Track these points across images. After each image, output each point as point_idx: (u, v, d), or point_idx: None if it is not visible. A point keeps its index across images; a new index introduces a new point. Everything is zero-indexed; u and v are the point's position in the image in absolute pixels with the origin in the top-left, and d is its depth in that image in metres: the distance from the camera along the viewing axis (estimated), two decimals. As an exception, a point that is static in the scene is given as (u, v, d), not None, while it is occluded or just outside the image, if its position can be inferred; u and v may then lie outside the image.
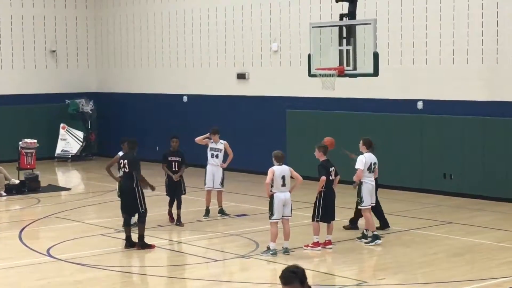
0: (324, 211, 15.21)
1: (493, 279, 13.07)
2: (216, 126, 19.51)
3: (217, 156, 18.80)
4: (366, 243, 15.72)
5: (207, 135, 18.82)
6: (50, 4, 30.74)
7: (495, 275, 13.35)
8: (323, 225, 15.30)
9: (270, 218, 14.88)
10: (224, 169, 18.89)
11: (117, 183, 16.97)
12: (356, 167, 15.77)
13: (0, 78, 29.61)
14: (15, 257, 15.15)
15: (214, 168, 18.78)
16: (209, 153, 18.86)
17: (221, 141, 18.90)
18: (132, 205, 15.55)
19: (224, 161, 18.82)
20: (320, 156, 15.45)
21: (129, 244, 15.54)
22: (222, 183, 18.84)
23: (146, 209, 15.69)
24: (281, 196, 14.69)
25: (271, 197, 14.73)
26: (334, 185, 15.44)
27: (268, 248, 14.91)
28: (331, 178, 15.27)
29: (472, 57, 20.98)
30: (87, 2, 31.70)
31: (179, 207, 17.66)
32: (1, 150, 24.82)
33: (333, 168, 15.37)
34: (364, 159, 15.83)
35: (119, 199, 16.34)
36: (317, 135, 23.51)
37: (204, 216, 18.62)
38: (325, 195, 15.26)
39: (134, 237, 15.60)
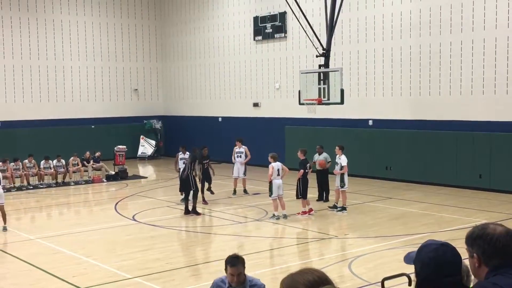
0: (303, 191, 15.25)
1: (418, 234, 13.04)
2: (240, 137, 19.44)
3: (240, 156, 18.81)
4: (337, 211, 15.68)
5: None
6: (133, 59, 30.80)
7: (419, 231, 13.31)
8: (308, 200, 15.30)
9: (270, 196, 14.99)
10: (245, 164, 18.86)
11: (177, 172, 17.05)
12: (344, 164, 15.78)
13: (102, 107, 29.71)
14: (112, 221, 15.23)
15: (238, 164, 18.77)
16: (235, 154, 18.90)
17: (243, 146, 18.91)
18: (188, 185, 15.58)
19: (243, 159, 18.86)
20: (300, 156, 15.57)
21: (187, 211, 15.56)
22: (244, 173, 18.78)
23: (197, 189, 15.72)
24: (277, 181, 14.88)
25: (270, 183, 14.88)
26: (308, 175, 15.45)
27: (273, 215, 14.94)
28: (306, 170, 15.33)
29: (403, 91, 20.88)
30: (157, 58, 31.73)
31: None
32: (104, 152, 24.89)
33: (308, 164, 15.48)
34: (346, 159, 15.80)
35: (179, 182, 16.41)
36: (306, 143, 23.51)
37: (232, 194, 18.62)
38: (303, 181, 15.30)
39: (189, 207, 15.61)
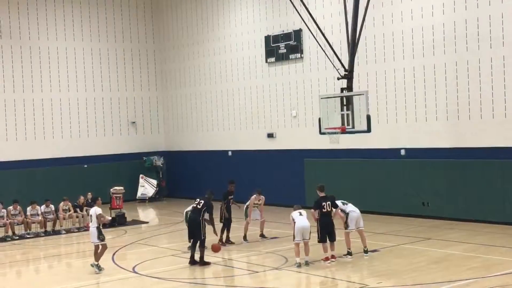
0: (320, 234, 15.11)
1: (463, 280, 12.89)
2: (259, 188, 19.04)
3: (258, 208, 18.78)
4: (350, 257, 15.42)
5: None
6: (130, 88, 31.15)
7: (464, 277, 13.15)
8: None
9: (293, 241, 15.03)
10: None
11: (184, 216, 17.09)
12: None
13: (96, 143, 29.96)
14: (110, 274, 15.19)
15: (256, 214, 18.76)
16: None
17: (262, 196, 18.74)
18: (197, 233, 15.59)
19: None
20: (319, 193, 15.45)
21: (192, 261, 15.53)
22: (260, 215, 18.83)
23: (205, 237, 15.70)
24: (301, 223, 14.92)
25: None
26: (333, 216, 15.27)
27: (296, 262, 14.86)
28: (323, 210, 15.09)
29: (439, 115, 20.89)
30: (156, 86, 32.08)
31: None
32: (98, 194, 24.91)
33: (327, 202, 15.19)
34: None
35: (186, 227, 16.42)
36: (328, 177, 23.52)
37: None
38: (320, 223, 15.13)
39: (196, 257, 15.57)
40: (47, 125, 28.80)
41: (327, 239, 15.14)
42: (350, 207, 15.71)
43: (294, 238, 14.97)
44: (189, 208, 16.75)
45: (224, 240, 17.97)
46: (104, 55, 30.36)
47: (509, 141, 19.14)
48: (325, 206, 15.15)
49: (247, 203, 18.68)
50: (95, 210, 15.58)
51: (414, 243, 17.10)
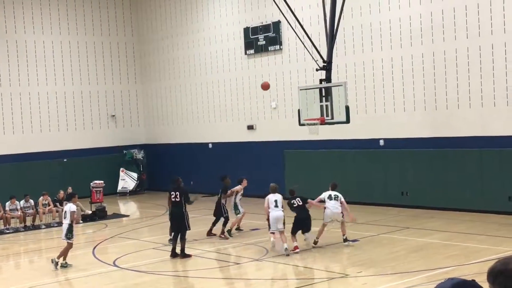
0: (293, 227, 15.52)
1: (442, 268, 13.00)
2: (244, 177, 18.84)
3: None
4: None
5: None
6: (109, 81, 30.97)
7: (443, 265, 13.28)
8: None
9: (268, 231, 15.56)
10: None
11: (168, 209, 16.97)
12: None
13: (76, 136, 29.77)
14: (90, 268, 15.13)
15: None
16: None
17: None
18: (180, 225, 15.55)
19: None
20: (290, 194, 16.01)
21: (174, 254, 15.49)
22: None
23: (189, 228, 15.66)
24: (274, 213, 15.31)
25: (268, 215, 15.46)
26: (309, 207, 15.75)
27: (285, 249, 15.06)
28: (294, 205, 15.55)
29: (417, 105, 21.01)
30: (136, 79, 31.91)
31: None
32: (78, 189, 24.86)
33: (297, 198, 15.63)
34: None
35: (169, 221, 16.33)
36: (308, 168, 23.62)
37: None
38: (295, 218, 15.58)
39: (178, 250, 15.55)
40: (25, 119, 28.54)
41: (301, 231, 15.46)
42: (330, 203, 15.77)
43: (269, 228, 15.38)
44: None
45: (222, 231, 17.82)
46: (83, 48, 30.10)
47: (487, 130, 19.31)
48: (295, 202, 15.56)
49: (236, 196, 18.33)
50: (70, 207, 15.32)
51: (393, 233, 17.23)
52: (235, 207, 18.11)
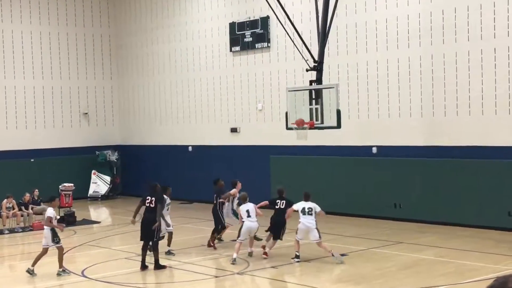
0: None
1: (435, 287, 13.07)
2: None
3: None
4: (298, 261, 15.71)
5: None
6: (82, 76, 30.88)
7: (437, 283, 13.34)
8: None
9: (237, 239, 16.17)
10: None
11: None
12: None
13: (44, 135, 29.65)
14: (56, 278, 15.04)
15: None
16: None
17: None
18: (150, 233, 15.51)
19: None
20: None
21: (143, 266, 15.39)
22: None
23: (158, 238, 15.64)
24: (247, 224, 15.91)
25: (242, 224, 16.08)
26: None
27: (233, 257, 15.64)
28: (276, 207, 16.34)
29: (413, 111, 21.14)
30: (111, 74, 31.85)
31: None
32: (45, 192, 24.72)
33: (282, 201, 16.26)
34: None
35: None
36: (295, 175, 23.65)
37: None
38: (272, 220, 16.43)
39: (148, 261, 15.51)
40: (-10, 115, 28.39)
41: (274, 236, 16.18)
42: (303, 219, 15.74)
43: (238, 236, 16.01)
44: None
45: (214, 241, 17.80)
46: (55, 39, 29.98)
47: (486, 140, 19.45)
48: (278, 204, 16.24)
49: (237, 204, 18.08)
50: (48, 211, 15.30)
51: (384, 247, 17.29)
52: (235, 213, 17.92)
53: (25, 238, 21.20)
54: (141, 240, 15.75)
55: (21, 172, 28.01)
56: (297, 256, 15.71)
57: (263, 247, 16.18)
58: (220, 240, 18.33)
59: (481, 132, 19.57)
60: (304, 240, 15.85)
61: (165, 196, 16.78)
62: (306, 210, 15.74)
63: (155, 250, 15.43)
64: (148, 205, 15.65)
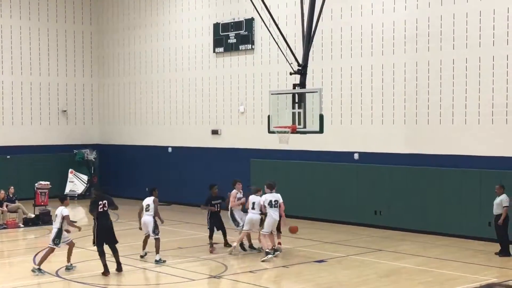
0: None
1: (414, 295, 13.11)
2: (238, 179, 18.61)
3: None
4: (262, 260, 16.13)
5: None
6: (62, 73, 30.67)
7: (415, 292, 13.39)
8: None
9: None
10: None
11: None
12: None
13: (21, 132, 29.40)
14: (29, 277, 14.91)
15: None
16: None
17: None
18: (112, 237, 15.31)
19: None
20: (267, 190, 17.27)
21: (106, 271, 14.97)
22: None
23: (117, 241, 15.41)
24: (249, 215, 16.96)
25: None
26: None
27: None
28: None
29: (396, 118, 21.21)
30: (92, 72, 31.67)
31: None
32: (21, 190, 24.51)
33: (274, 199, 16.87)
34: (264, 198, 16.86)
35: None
36: (275, 180, 23.56)
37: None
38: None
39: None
40: (-34, 109, 28.10)
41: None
42: (272, 211, 16.65)
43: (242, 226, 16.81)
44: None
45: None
46: (34, 34, 29.75)
47: (468, 150, 19.54)
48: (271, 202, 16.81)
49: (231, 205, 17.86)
50: (62, 211, 15.38)
51: (364, 254, 17.31)
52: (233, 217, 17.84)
53: (1, 236, 20.97)
54: (99, 245, 15.20)
55: (-3, 168, 27.77)
56: (275, 251, 16.42)
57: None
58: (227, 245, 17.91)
59: (463, 142, 19.66)
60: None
61: (153, 197, 16.70)
62: (273, 203, 16.61)
63: (115, 252, 15.22)
64: (102, 209, 15.34)
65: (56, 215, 15.50)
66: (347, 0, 22.23)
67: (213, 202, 17.71)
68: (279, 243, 17.00)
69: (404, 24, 20.87)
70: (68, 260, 15.53)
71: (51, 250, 15.35)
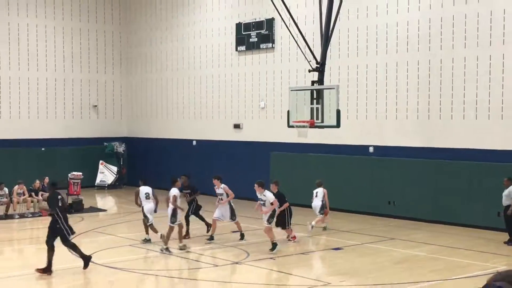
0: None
1: (426, 282, 13.05)
2: (217, 175, 17.81)
3: (221, 199, 17.30)
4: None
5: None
6: (93, 71, 30.85)
7: (427, 279, 13.33)
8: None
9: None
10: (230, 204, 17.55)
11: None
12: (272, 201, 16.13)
13: (55, 126, 29.62)
14: (62, 262, 15.00)
15: (221, 206, 17.35)
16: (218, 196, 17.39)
17: (222, 185, 17.33)
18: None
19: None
20: (274, 189, 17.00)
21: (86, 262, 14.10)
22: (233, 216, 17.49)
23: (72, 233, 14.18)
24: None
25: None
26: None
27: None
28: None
29: (410, 113, 21.10)
30: (121, 70, 31.81)
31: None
32: (56, 180, 24.73)
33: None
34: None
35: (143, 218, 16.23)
36: (294, 172, 23.64)
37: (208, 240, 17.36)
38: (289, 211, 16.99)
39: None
40: (4, 105, 28.32)
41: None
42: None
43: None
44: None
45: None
46: (67, 34, 29.94)
47: (479, 143, 19.41)
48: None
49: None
50: (171, 191, 15.94)
51: (378, 243, 17.28)
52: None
53: (34, 223, 21.21)
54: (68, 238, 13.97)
55: (33, 160, 28.00)
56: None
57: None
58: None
59: (474, 136, 19.53)
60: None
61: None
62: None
63: (75, 247, 14.05)
64: (61, 204, 14.42)
65: (173, 195, 15.81)
66: (363, 1, 22.13)
67: (184, 191, 17.80)
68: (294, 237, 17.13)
69: (418, 24, 20.74)
70: (180, 240, 16.03)
71: (171, 229, 15.79)
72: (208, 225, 17.77)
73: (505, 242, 16.83)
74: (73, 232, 14.11)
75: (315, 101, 18.05)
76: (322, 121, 17.87)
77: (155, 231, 16.73)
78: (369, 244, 17.04)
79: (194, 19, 28.33)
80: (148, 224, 17.02)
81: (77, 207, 23.03)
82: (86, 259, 14.02)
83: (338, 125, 17.72)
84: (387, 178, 21.48)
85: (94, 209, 23.86)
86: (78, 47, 30.26)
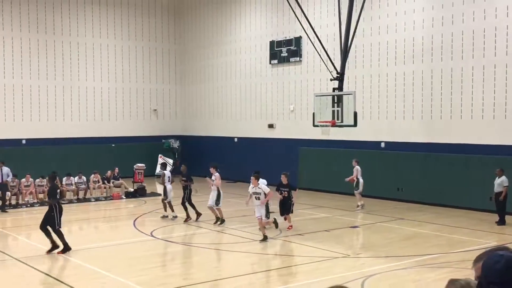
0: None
1: (430, 255, 12.90)
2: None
3: (258, 198, 14.62)
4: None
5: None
6: (153, 81, 31.10)
7: (431, 252, 13.17)
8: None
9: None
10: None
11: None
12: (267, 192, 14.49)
13: (122, 126, 29.95)
14: (130, 237, 15.24)
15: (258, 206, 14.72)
16: (253, 196, 14.73)
17: (259, 184, 14.60)
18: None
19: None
20: (284, 180, 16.01)
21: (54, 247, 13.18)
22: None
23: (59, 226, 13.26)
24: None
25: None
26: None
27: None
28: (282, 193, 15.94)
29: (415, 114, 20.84)
30: (176, 80, 32.02)
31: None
32: (123, 170, 25.03)
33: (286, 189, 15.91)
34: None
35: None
36: (319, 164, 23.53)
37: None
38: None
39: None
40: (82, 109, 28.73)
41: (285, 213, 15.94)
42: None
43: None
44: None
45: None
46: (133, 52, 30.26)
47: (473, 139, 19.10)
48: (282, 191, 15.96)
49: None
50: (214, 176, 16.12)
51: (389, 222, 17.12)
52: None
53: (106, 205, 21.51)
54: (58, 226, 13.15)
55: (105, 154, 28.35)
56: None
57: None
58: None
59: (470, 133, 19.21)
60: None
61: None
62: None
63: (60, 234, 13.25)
64: (59, 196, 13.60)
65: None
66: (375, 21, 21.90)
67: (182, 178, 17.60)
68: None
69: (422, 39, 20.45)
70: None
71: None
72: (199, 214, 16.95)
73: (496, 222, 16.53)
74: (60, 226, 13.15)
75: (336, 104, 17.97)
76: (342, 121, 17.79)
77: (172, 209, 16.90)
78: (382, 223, 16.89)
79: (235, 38, 28.36)
80: (166, 201, 17.18)
81: (141, 192, 23.27)
82: (66, 248, 13.02)
83: (355, 124, 17.62)
84: (396, 168, 21.25)
85: (155, 194, 24.03)
86: (140, 62, 30.55)
